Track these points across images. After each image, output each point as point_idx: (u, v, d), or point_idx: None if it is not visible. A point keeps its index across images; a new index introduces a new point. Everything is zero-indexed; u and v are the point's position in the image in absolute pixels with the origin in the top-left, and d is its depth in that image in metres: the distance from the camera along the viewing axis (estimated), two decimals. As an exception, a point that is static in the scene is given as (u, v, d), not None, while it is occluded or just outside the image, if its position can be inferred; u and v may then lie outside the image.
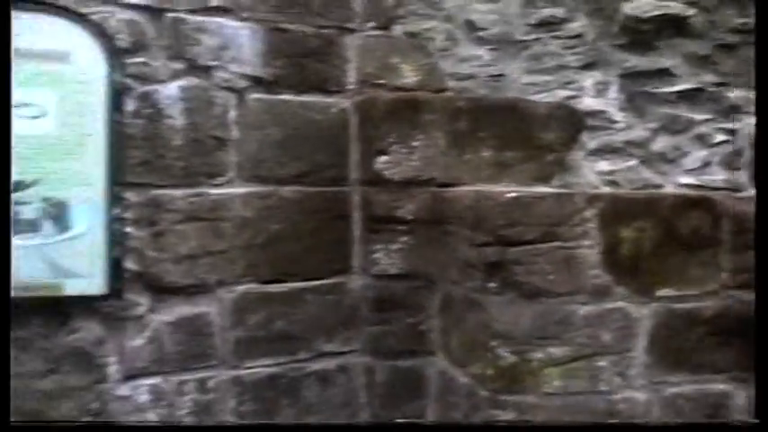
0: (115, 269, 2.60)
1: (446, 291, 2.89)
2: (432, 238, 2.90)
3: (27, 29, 2.49)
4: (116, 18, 2.67)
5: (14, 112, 2.42)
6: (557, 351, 2.58)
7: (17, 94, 2.45)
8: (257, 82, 2.89)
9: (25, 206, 2.48)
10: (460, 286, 2.76)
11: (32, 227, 2.49)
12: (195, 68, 2.80)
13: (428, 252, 2.92)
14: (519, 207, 2.59)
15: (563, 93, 3.22)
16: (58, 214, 2.51)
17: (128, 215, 2.65)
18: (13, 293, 2.40)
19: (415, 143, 2.92)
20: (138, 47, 2.70)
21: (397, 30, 3.13)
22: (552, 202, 2.62)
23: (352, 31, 3.07)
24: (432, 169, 2.93)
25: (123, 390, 2.70)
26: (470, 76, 3.19)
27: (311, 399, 2.97)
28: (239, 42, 2.86)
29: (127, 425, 2.48)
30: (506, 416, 2.55)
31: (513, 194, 2.62)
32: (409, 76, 3.10)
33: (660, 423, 2.65)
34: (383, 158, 2.91)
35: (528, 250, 2.58)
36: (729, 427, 2.67)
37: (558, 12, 3.22)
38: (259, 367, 2.90)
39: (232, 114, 2.85)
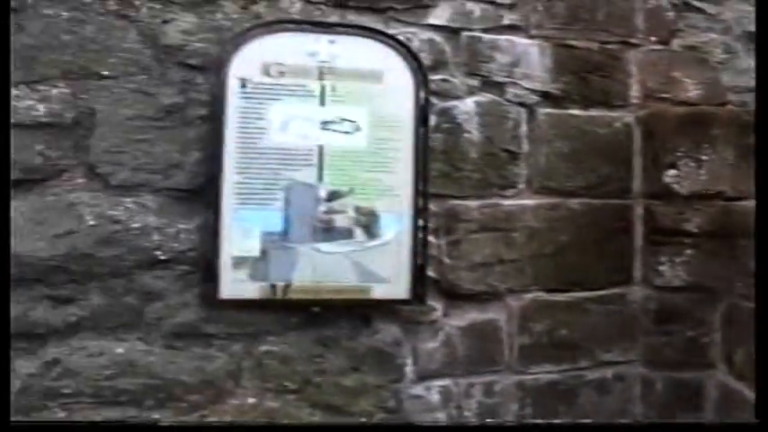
0: (417, 275, 2.55)
1: (731, 304, 2.68)
2: (718, 251, 2.71)
3: (346, 51, 2.52)
4: (419, 38, 2.66)
5: (331, 128, 2.45)
6: None
7: (334, 111, 2.46)
8: (546, 97, 2.81)
9: (339, 215, 2.49)
10: (749, 300, 2.54)
11: (345, 234, 2.49)
12: (489, 85, 2.74)
13: (713, 265, 2.74)
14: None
15: None
16: (368, 223, 2.50)
17: (429, 224, 2.60)
18: (325, 296, 2.42)
19: (703, 157, 2.74)
20: (438, 65, 2.68)
21: (677, 43, 2.95)
22: None
23: (634, 45, 2.93)
24: (720, 182, 2.74)
25: (417, 390, 2.66)
26: (751, 89, 2.95)
27: (588, 406, 2.84)
28: (529, 59, 2.79)
29: (128, 425, 2.40)
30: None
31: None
32: (691, 89, 2.93)
33: (661, 423, 2.52)
34: (672, 172, 2.73)
35: (831, 265, 2.34)
36: (729, 427, 2.51)
37: None
38: (541, 373, 2.80)
39: (523, 129, 2.78)
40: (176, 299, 2.43)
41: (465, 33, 2.71)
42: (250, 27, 2.47)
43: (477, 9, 2.72)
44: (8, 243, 2.22)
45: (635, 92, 2.91)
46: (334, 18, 2.56)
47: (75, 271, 2.36)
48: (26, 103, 2.34)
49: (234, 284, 2.42)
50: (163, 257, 2.42)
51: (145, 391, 2.42)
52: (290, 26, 2.50)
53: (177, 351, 2.44)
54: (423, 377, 2.66)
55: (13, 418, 2.30)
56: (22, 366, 2.34)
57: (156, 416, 2.42)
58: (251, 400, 2.50)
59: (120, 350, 2.40)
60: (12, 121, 2.30)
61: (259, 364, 2.51)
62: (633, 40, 2.91)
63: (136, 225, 2.41)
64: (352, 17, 2.58)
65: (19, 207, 2.32)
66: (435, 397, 2.67)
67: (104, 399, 2.38)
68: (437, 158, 2.64)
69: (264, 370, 2.51)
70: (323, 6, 2.57)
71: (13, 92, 2.32)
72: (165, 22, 2.44)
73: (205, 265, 2.42)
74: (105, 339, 2.39)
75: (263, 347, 2.51)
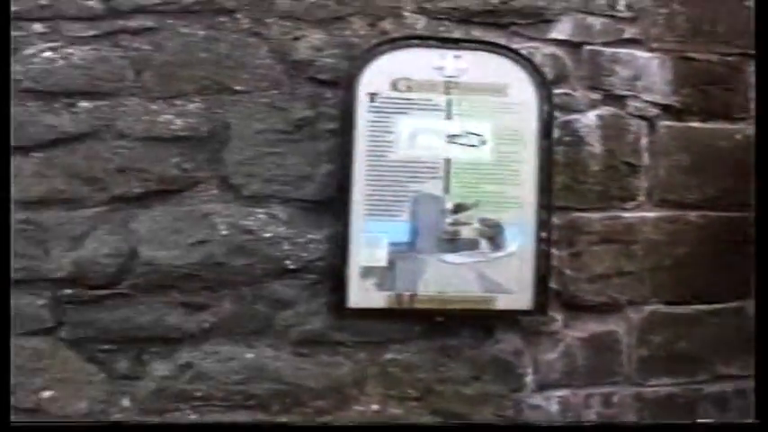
0: (540, 287, 2.53)
1: None
2: (841, 264, 2.62)
3: (472, 66, 2.52)
4: (541, 53, 2.64)
5: (457, 141, 2.47)
6: None
7: (460, 125, 2.49)
8: (666, 110, 2.76)
9: (465, 227, 2.49)
10: None
11: (471, 246, 2.49)
12: (610, 98, 2.71)
13: (836, 279, 2.63)
14: None
15: None
16: (493, 234, 2.50)
17: (551, 236, 2.58)
18: (449, 306, 2.43)
19: (827, 169, 2.65)
20: (560, 79, 2.66)
21: (798, 55, 2.87)
22: None
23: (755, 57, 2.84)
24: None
25: (536, 399, 2.65)
26: None
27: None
28: (650, 72, 2.75)
29: (128, 424, 2.38)
30: None
31: None
32: (812, 101, 2.83)
33: (661, 423, 2.50)
34: (789, 186, 2.67)
35: None
36: (729, 426, 2.48)
37: None
38: (659, 386, 2.75)
39: (643, 141, 2.74)
40: (305, 307, 2.46)
41: (586, 47, 2.69)
42: (378, 43, 2.48)
43: (597, 23, 2.69)
44: (8, 242, 2.24)
45: (754, 104, 2.82)
46: (458, 34, 2.56)
47: (208, 278, 2.41)
48: (164, 117, 2.40)
49: (361, 293, 2.43)
50: (292, 267, 2.46)
51: (272, 395, 2.45)
52: (417, 42, 2.50)
53: (305, 358, 2.47)
54: (542, 387, 2.65)
55: (146, 419, 2.35)
56: (157, 369, 2.40)
57: (282, 419, 2.44)
58: (374, 407, 2.51)
59: (250, 356, 2.44)
60: (150, 134, 2.37)
61: (383, 372, 2.52)
62: (754, 52, 2.83)
63: (267, 235, 2.44)
64: (476, 32, 2.58)
65: (155, 216, 2.39)
66: (554, 407, 2.65)
67: (234, 402, 2.42)
68: (559, 171, 2.62)
69: (388, 377, 2.52)
70: (447, 22, 2.57)
71: (152, 106, 2.39)
72: (295, 38, 2.47)
73: (333, 275, 2.44)
74: (236, 345, 2.43)
75: (388, 355, 2.52)
